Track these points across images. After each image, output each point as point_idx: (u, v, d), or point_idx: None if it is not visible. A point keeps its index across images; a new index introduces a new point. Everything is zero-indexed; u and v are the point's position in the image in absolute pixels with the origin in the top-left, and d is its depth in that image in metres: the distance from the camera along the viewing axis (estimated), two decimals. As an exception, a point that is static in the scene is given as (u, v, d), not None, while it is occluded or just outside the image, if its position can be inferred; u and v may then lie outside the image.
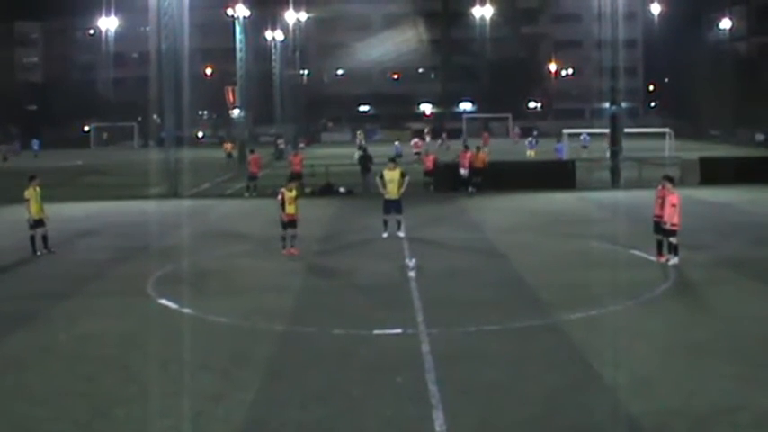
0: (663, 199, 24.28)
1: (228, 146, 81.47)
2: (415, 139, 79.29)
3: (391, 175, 30.21)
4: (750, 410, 12.92)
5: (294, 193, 27.05)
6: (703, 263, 24.06)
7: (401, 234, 29.80)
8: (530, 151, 69.09)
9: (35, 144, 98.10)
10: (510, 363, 15.40)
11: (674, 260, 23.68)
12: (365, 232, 31.35)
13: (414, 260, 24.82)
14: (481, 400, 13.57)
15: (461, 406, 13.28)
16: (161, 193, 46.96)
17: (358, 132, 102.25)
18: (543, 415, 12.99)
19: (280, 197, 26.91)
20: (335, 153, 76.13)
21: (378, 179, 31.00)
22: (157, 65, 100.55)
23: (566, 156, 59.14)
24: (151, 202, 43.66)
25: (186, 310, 19.67)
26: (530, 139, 75.73)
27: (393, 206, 30.01)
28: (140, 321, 18.94)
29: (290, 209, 26.55)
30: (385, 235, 29.83)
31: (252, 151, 51.60)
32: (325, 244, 29.52)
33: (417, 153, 64.48)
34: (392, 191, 29.96)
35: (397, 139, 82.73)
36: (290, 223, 26.68)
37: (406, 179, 30.40)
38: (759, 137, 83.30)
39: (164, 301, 20.61)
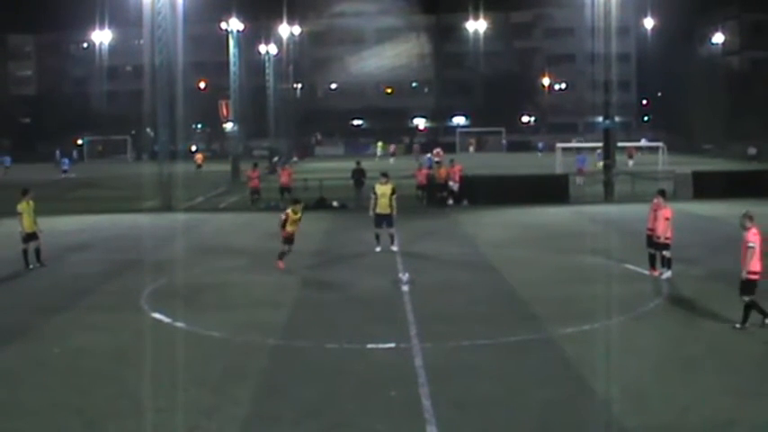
0: (656, 213, 24.33)
1: (199, 157, 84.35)
2: (437, 149, 78.84)
3: (383, 190, 30.26)
4: (743, 425, 12.95)
5: (299, 215, 26.99)
6: (696, 277, 24.12)
7: (394, 248, 29.83)
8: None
9: (6, 161, 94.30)
10: (503, 377, 15.40)
11: (667, 274, 23.72)
12: (358, 246, 31.35)
13: (407, 274, 24.81)
14: (475, 414, 13.56)
15: (455, 421, 13.27)
16: (154, 206, 46.90)
17: (379, 144, 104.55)
18: (537, 429, 12.99)
19: (284, 216, 26.87)
20: (329, 167, 76.16)
21: (371, 193, 31.07)
22: (151, 78, 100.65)
23: (587, 166, 58.32)
24: (144, 215, 43.57)
25: (179, 325, 19.63)
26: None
27: (384, 220, 30.06)
28: (134, 335, 18.89)
29: (290, 227, 26.66)
30: (378, 249, 29.85)
31: (256, 165, 51.89)
32: (318, 258, 29.48)
33: (438, 162, 63.54)
34: (383, 205, 29.97)
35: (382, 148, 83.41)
36: (287, 240, 26.82)
37: (395, 197, 30.41)
38: (751, 151, 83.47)
39: (157, 315, 20.57)
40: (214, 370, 16.08)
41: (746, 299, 17.66)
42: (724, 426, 12.94)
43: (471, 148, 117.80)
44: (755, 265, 17.65)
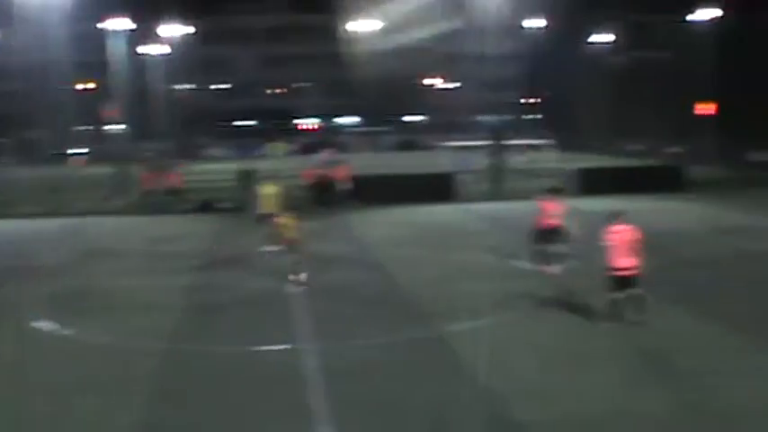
0: (546, 209, 24.64)
1: (78, 160, 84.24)
2: (327, 149, 78.14)
3: (267, 190, 30.80)
4: (633, 415, 13.22)
5: (290, 221, 25.12)
6: (584, 272, 24.41)
7: (267, 248, 29.81)
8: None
9: None
10: (396, 376, 15.41)
11: (555, 269, 24.01)
12: (247, 248, 31.04)
13: (300, 275, 24.65)
14: (368, 414, 13.56)
15: (348, 421, 13.24)
16: (38, 211, 45.76)
17: (273, 144, 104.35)
18: (431, 428, 13.01)
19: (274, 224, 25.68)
20: (217, 168, 75.47)
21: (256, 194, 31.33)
22: (33, 79, 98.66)
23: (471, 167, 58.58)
24: (27, 220, 42.54)
25: (65, 332, 19.22)
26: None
27: (269, 220, 30.00)
28: (15, 346, 18.38)
29: (289, 233, 24.91)
30: (267, 248, 29.75)
31: (147, 167, 50.93)
32: (207, 260, 29.15)
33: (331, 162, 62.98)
34: (268, 205, 30.29)
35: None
36: (292, 247, 25.02)
37: (279, 197, 30.72)
38: (636, 147, 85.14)
39: (42, 323, 20.07)
40: (102, 377, 15.78)
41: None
42: (614, 416, 13.18)
43: (362, 148, 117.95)
44: (616, 261, 17.95)
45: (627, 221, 18.59)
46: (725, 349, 16.68)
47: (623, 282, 17.85)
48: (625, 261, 17.84)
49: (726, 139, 71.23)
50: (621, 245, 17.95)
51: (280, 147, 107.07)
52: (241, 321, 20.08)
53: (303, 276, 24.20)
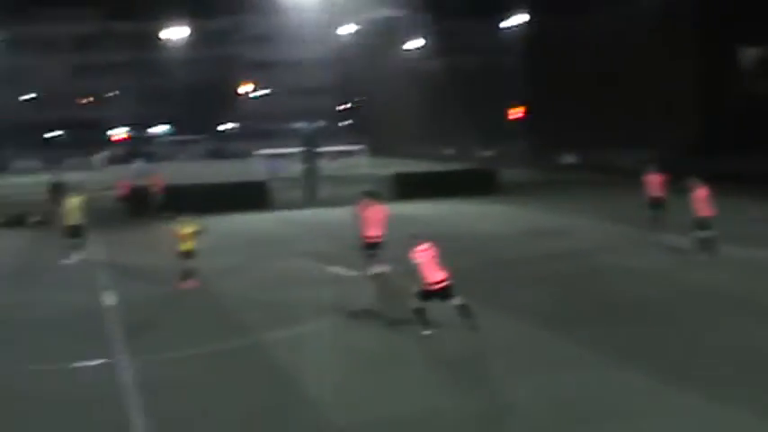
0: (365, 214, 24.86)
1: None
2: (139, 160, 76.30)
3: (73, 201, 31.27)
4: (450, 414, 13.46)
5: (190, 229, 24.59)
6: (399, 274, 24.57)
7: (76, 257, 30.23)
8: None
9: None
10: (213, 388, 15.25)
11: (373, 271, 24.21)
12: (59, 262, 30.15)
13: (110, 292, 24.07)
14: (184, 428, 13.34)
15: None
16: None
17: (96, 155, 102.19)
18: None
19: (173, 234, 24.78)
20: (25, 181, 73.33)
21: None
22: None
23: (283, 173, 58.63)
24: None
25: None
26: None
27: (76, 231, 30.97)
28: None
29: (186, 245, 24.39)
30: (73, 258, 29.54)
31: None
32: (13, 277, 28.14)
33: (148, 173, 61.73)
34: (73, 217, 30.91)
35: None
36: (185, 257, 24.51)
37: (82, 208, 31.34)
38: (448, 152, 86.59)
39: None
40: None
41: (414, 305, 18.15)
42: (432, 415, 13.39)
43: (174, 157, 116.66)
44: (428, 277, 18.12)
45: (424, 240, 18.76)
46: (535, 346, 17.09)
47: (441, 294, 18.02)
48: (436, 275, 18.06)
49: (536, 143, 73.29)
50: (429, 261, 18.18)
51: (98, 158, 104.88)
52: (54, 338, 19.47)
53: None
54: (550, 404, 13.73)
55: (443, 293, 18.03)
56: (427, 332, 17.89)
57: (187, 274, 24.36)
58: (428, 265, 18.12)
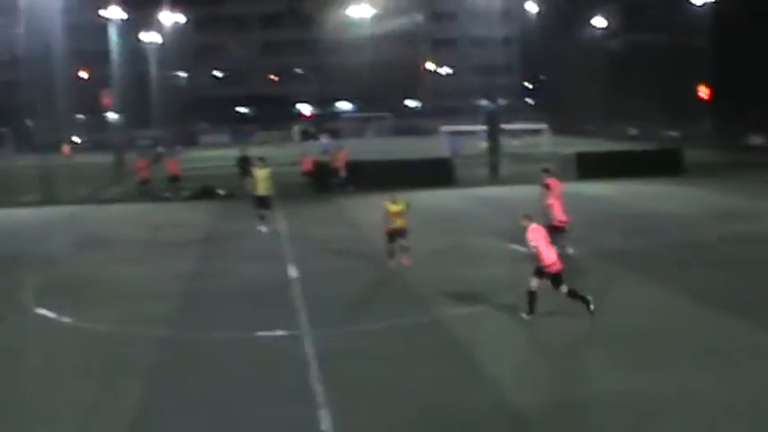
0: (552, 188, 24.95)
1: (66, 148, 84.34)
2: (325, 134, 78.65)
3: (261, 173, 32.19)
4: (631, 396, 13.26)
5: (401, 207, 24.14)
6: (582, 256, 24.40)
7: (263, 229, 31.24)
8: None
9: None
10: (394, 360, 15.46)
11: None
12: (245, 234, 31.07)
13: (295, 265, 24.65)
14: (367, 398, 13.61)
15: (347, 405, 13.30)
16: (37, 199, 45.72)
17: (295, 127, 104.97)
18: (430, 410, 13.07)
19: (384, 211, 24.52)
20: (214, 155, 75.48)
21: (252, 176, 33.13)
22: (31, 68, 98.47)
23: (460, 148, 59.06)
24: (26, 209, 42.53)
25: (64, 319, 19.24)
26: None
27: (263, 202, 31.96)
28: (16, 331, 18.49)
29: (396, 222, 24.03)
30: (262, 229, 30.33)
31: (144, 155, 51.06)
32: (205, 247, 29.20)
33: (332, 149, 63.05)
34: (263, 187, 31.87)
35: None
36: (391, 236, 24.27)
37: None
38: (632, 131, 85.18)
39: (41, 311, 20.09)
40: (100, 364, 15.83)
41: (564, 289, 17.76)
42: (611, 397, 13.26)
43: (358, 134, 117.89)
44: (547, 258, 17.71)
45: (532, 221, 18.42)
46: (716, 331, 16.73)
47: (553, 277, 17.61)
48: (552, 256, 17.67)
49: (722, 123, 71.24)
50: (545, 243, 17.79)
51: (271, 135, 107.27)
52: (240, 308, 20.09)
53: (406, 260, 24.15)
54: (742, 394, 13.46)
55: (555, 278, 17.69)
56: (529, 317, 17.67)
57: (396, 252, 24.20)
58: (544, 246, 17.75)
